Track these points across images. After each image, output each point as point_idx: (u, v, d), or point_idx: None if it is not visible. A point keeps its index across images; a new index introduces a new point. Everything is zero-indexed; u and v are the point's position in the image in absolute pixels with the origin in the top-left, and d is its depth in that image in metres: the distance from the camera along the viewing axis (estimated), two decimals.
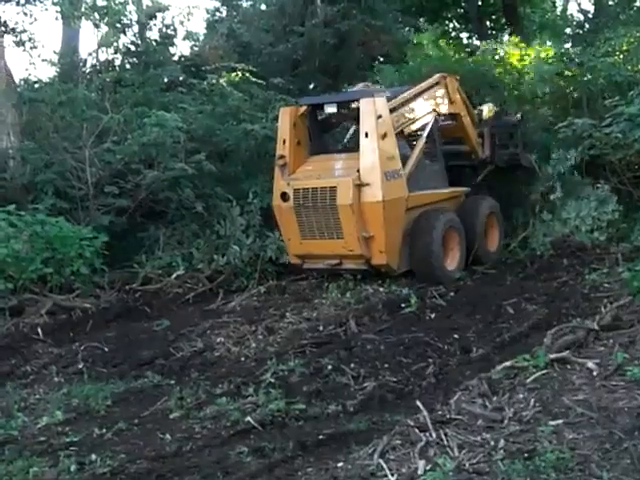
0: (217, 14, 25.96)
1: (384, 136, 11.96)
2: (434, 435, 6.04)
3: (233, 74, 16.81)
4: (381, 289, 11.58)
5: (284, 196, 12.26)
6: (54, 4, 16.33)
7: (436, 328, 9.58)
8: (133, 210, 13.06)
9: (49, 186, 12.55)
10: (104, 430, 7.26)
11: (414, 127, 13.10)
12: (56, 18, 19.37)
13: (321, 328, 9.92)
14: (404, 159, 12.46)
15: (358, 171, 11.84)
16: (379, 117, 11.94)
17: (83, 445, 6.99)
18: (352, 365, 8.44)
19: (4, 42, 15.15)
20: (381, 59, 20.88)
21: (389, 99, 12.46)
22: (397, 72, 16.63)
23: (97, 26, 19.72)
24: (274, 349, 9.25)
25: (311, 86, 19.94)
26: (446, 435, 6.04)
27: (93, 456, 6.67)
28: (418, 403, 6.68)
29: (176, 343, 9.73)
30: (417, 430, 6.14)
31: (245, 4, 25.61)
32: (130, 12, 21.69)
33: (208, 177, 13.79)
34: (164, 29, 21.95)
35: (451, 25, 28.64)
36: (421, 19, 25.45)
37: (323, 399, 7.59)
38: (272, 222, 12.79)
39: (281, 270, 13.09)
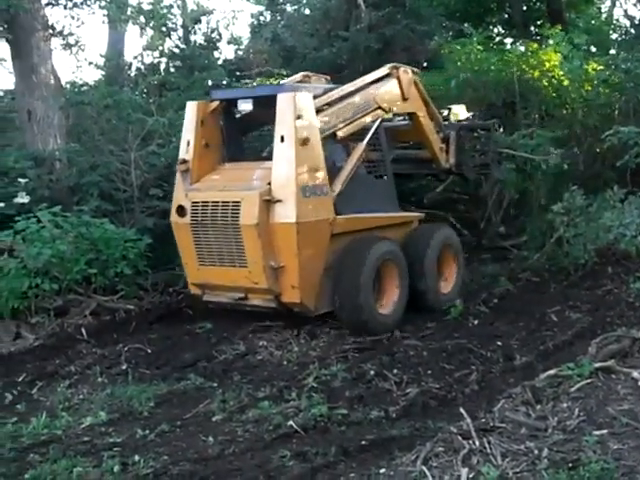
0: (261, 18, 26.07)
1: (305, 141, 9.76)
2: (477, 443, 6.02)
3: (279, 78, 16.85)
4: None
5: (181, 210, 10.35)
6: (101, 8, 16.46)
7: (479, 335, 9.56)
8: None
9: (94, 188, 12.63)
10: (147, 431, 7.33)
11: (352, 130, 10.70)
12: (103, 22, 19.49)
13: (363, 333, 9.90)
14: (337, 171, 10.48)
15: (269, 184, 9.79)
16: (299, 117, 9.77)
17: (126, 446, 7.05)
18: (395, 371, 8.45)
19: (51, 45, 15.27)
20: (425, 64, 20.83)
21: (317, 96, 10.30)
22: (437, 78, 16.55)
23: (143, 29, 19.90)
24: (316, 354, 9.26)
25: None
26: (489, 443, 6.02)
27: (136, 457, 6.73)
28: (461, 410, 6.66)
29: (218, 346, 9.75)
30: (460, 437, 6.11)
31: (289, 8, 25.69)
32: (175, 16, 21.89)
33: None
34: (209, 33, 22.06)
35: (495, 30, 28.52)
36: (465, 24, 25.35)
37: (365, 404, 7.60)
38: None
39: None
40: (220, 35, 22.52)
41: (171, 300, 11.76)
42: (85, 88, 15.91)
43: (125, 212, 12.65)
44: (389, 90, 11.40)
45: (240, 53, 23.68)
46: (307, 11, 24.54)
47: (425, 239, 11.23)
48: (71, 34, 16.23)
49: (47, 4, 15.40)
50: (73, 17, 16.17)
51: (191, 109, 10.77)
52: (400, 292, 10.51)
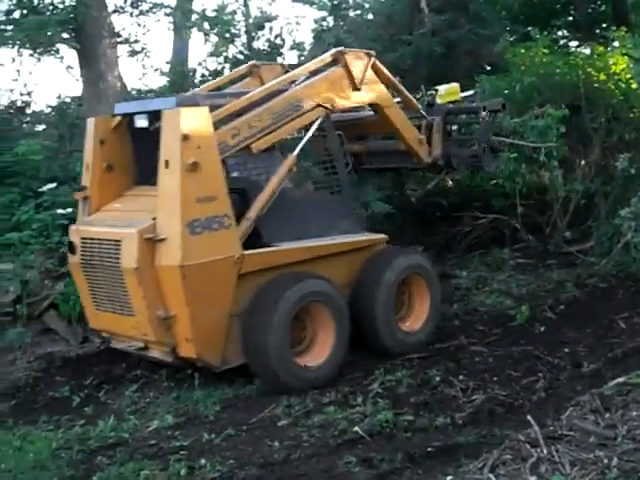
0: (324, 23, 26.10)
1: (194, 166, 8.18)
2: (545, 451, 5.97)
3: None
4: (488, 301, 11.41)
5: (71, 247, 9.10)
6: (167, 15, 16.67)
7: (546, 341, 9.44)
8: None
9: None
10: (213, 435, 7.40)
11: (275, 139, 9.23)
12: (168, 29, 19.73)
13: (428, 339, 9.86)
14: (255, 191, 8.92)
15: (155, 219, 8.35)
16: (185, 138, 8.17)
17: (193, 449, 7.13)
18: (460, 377, 8.39)
19: (118, 52, 15.51)
20: (488, 68, 20.70)
21: (219, 105, 8.71)
22: (502, 82, 16.41)
23: (207, 36, 20.10)
24: (381, 359, 9.23)
25: (419, 96, 19.92)
26: (557, 451, 5.96)
27: (202, 461, 6.81)
28: (529, 418, 6.60)
29: None
30: (528, 445, 6.07)
31: (352, 13, 25.69)
32: (239, 22, 22.06)
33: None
34: (272, 39, 22.17)
35: (560, 33, 28.26)
36: (530, 27, 25.14)
37: (431, 411, 7.56)
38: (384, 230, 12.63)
39: None
40: (283, 41, 22.62)
41: None
42: (151, 95, 16.09)
43: None
44: (333, 82, 9.76)
45: (303, 59, 23.74)
46: (370, 16, 24.52)
47: (378, 269, 9.55)
48: (137, 41, 16.47)
49: (113, 12, 15.64)
50: (140, 24, 16.39)
51: (89, 126, 9.37)
52: (336, 340, 8.88)
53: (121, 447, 7.34)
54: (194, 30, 20.00)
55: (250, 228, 8.73)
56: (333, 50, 9.93)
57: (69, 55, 16.75)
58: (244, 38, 21.99)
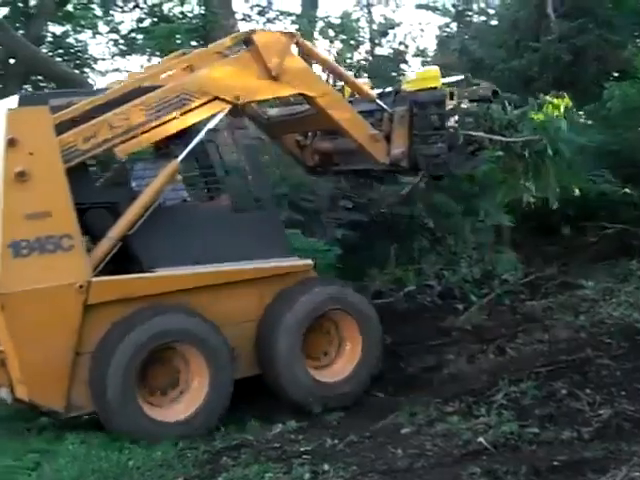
0: (447, 30, 26.00)
1: (21, 176, 7.08)
2: None
3: None
4: (615, 313, 11.15)
5: None
6: (293, 23, 16.86)
7: None
8: (365, 224, 13.22)
9: (284, 199, 12.89)
10: (336, 441, 7.40)
11: (156, 138, 8.00)
12: None
13: (553, 351, 9.70)
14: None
15: None
16: (12, 143, 7.07)
17: (316, 454, 7.14)
18: (587, 391, 8.17)
19: None
20: (617, 74, 20.28)
21: (60, 107, 7.48)
22: (631, 89, 16.05)
23: (332, 42, 20.26)
24: (505, 370, 9.11)
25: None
26: None
27: (326, 466, 6.79)
28: None
29: (406, 359, 9.80)
30: None
31: (476, 19, 25.52)
32: (362, 28, 22.17)
33: (440, 193, 13.77)
34: (396, 45, 22.20)
35: None
36: None
37: (556, 424, 7.39)
38: (504, 241, 12.57)
39: (511, 289, 12.88)
40: (407, 47, 22.64)
41: None
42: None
43: (314, 223, 12.83)
44: (238, 69, 8.27)
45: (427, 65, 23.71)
46: (494, 22, 24.31)
47: (282, 306, 8.22)
48: None
49: (241, 20, 15.91)
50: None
51: None
52: (211, 387, 7.76)
53: (245, 449, 7.42)
54: (319, 37, 20.17)
55: (111, 250, 7.61)
56: (242, 32, 8.68)
57: None
58: (368, 45, 22.08)
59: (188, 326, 7.66)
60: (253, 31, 8.50)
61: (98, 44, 21.76)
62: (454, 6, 25.43)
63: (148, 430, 7.47)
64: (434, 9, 26.15)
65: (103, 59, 21.65)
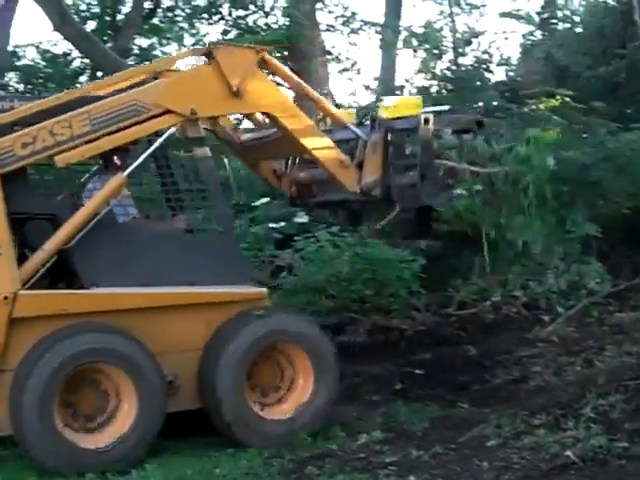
0: (532, 38, 25.75)
1: None
2: None
3: (552, 99, 16.57)
4: None
5: None
6: (377, 33, 16.90)
7: None
8: (448, 234, 13.15)
9: None
10: (421, 452, 7.36)
11: (90, 153, 7.62)
12: (380, 47, 19.96)
13: None
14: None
15: None
16: None
17: (401, 465, 7.10)
18: None
19: (328, 69, 15.85)
20: None
21: (3, 110, 7.47)
22: None
23: (415, 52, 20.22)
24: (593, 382, 8.96)
25: (629, 110, 19.36)
26: None
27: (411, 477, 6.78)
28: None
29: (491, 370, 9.70)
30: None
31: (561, 27, 25.23)
32: (446, 37, 22.09)
33: None
34: (480, 54, 22.05)
35: None
36: None
37: None
38: (591, 251, 12.35)
39: (599, 300, 12.67)
40: (491, 56, 22.46)
41: (443, 321, 11.79)
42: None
43: (398, 233, 12.81)
44: (196, 83, 7.96)
45: (511, 74, 23.49)
46: (579, 29, 24.02)
47: (225, 336, 7.70)
48: (348, 58, 16.79)
49: (325, 30, 16.02)
50: (351, 43, 16.70)
51: None
52: (139, 412, 7.25)
53: (330, 459, 7.41)
54: (402, 46, 20.18)
55: (46, 263, 7.30)
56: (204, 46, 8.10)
57: None
58: (451, 54, 21.97)
59: (114, 346, 7.23)
60: (215, 45, 8.24)
61: None
62: (538, 14, 25.19)
63: (67, 458, 7.06)
64: (518, 17, 25.91)
65: None
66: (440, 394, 9.06)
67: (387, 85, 21.35)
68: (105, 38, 19.34)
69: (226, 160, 9.79)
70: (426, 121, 8.71)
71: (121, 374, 7.21)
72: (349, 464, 7.24)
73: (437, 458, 7.25)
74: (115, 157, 8.07)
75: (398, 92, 20.85)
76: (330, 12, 19.58)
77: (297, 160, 9.62)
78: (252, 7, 18.81)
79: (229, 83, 7.91)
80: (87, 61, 20.13)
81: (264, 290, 8.16)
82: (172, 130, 7.81)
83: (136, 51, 21.01)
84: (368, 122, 9.13)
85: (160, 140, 7.75)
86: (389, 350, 10.76)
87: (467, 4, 25.25)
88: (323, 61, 15.62)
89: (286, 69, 8.73)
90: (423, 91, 20.00)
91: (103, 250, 7.44)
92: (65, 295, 7.41)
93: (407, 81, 20.96)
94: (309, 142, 8.45)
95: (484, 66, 21.68)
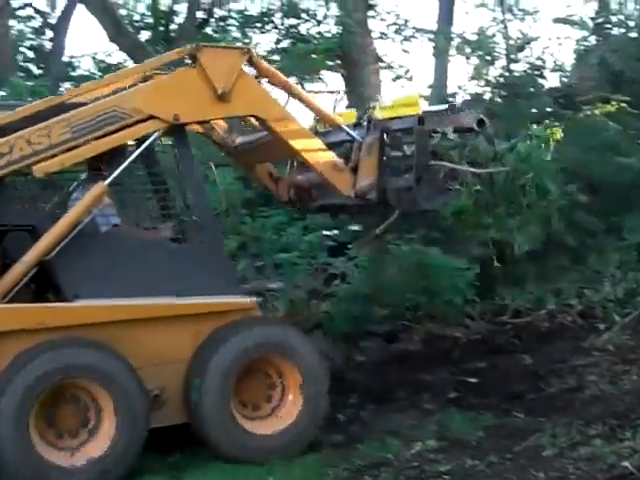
0: (586, 43, 25.52)
1: None
2: None
3: (608, 105, 16.42)
4: None
5: None
6: (430, 40, 16.88)
7: None
8: (504, 243, 13.09)
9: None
10: (476, 461, 7.35)
11: (82, 157, 7.38)
12: (432, 54, 19.94)
13: None
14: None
15: None
16: None
17: (456, 474, 7.11)
18: None
19: (381, 77, 15.87)
20: None
21: None
22: None
23: (468, 59, 20.13)
24: None
25: None
26: None
27: None
28: None
29: (546, 379, 9.62)
30: None
31: (616, 32, 24.99)
32: (498, 44, 21.94)
33: (579, 210, 13.51)
34: (533, 60, 21.91)
35: None
36: None
37: None
38: None
39: None
40: (544, 62, 22.30)
41: (498, 330, 11.74)
42: None
43: (452, 240, 12.78)
44: (180, 87, 7.72)
45: (565, 80, 23.30)
46: (634, 34, 23.77)
47: (210, 348, 7.50)
48: (401, 66, 16.78)
49: (378, 38, 16.04)
50: (404, 50, 16.70)
51: None
52: (118, 430, 7.01)
53: (385, 467, 7.40)
54: (454, 53, 20.09)
55: (25, 275, 7.12)
56: (188, 46, 7.92)
57: (333, 81, 17.37)
58: (504, 60, 21.85)
59: (91, 362, 7.01)
60: (199, 46, 7.84)
61: None
62: (592, 19, 24.97)
63: (45, 477, 6.83)
64: (572, 23, 25.65)
65: None
66: (494, 403, 9.00)
67: (440, 92, 21.31)
68: (159, 48, 19.49)
69: (214, 169, 9.50)
70: (421, 121, 8.31)
71: (99, 390, 7.03)
72: (403, 473, 7.24)
73: (492, 467, 7.23)
74: (100, 165, 7.80)
75: (451, 99, 20.83)
76: (382, 20, 19.57)
77: (295, 163, 9.41)
78: (304, 16, 18.87)
79: (214, 86, 7.66)
80: None
81: (254, 300, 7.95)
82: (155, 136, 7.60)
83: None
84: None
85: (142, 147, 7.53)
86: (443, 358, 10.72)
87: (520, 10, 25.04)
88: (375, 69, 15.64)
89: (275, 70, 8.35)
90: (476, 98, 19.95)
91: (85, 261, 7.26)
92: (44, 308, 7.22)
93: (460, 88, 20.87)
94: (300, 145, 8.17)
95: (537, 72, 21.52)
